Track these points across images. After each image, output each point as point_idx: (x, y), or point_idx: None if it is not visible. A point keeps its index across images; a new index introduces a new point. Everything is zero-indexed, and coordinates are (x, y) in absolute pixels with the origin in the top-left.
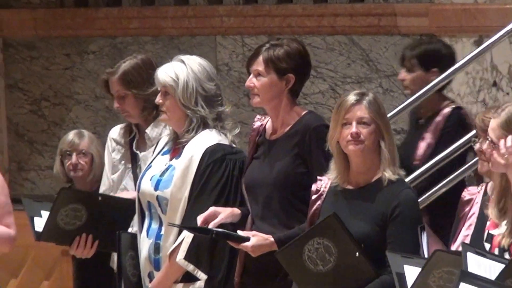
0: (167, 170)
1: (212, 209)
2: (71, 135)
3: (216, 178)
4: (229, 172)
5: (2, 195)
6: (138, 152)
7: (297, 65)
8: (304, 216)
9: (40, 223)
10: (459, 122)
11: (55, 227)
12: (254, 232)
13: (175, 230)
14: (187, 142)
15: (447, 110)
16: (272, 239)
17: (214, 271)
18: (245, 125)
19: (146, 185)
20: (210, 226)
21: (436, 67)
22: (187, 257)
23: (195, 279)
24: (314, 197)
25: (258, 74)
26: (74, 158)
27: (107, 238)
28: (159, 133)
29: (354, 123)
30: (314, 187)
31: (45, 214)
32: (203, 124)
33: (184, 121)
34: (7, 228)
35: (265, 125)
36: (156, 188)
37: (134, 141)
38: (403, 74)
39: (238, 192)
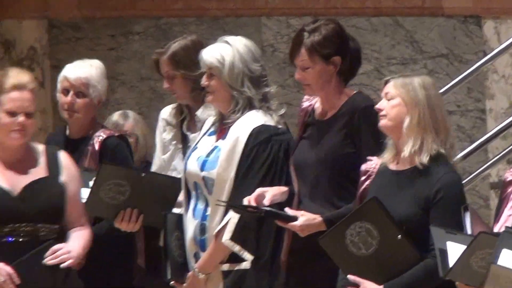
0: (213, 151)
1: (259, 190)
2: (116, 116)
3: (262, 159)
4: (275, 153)
5: (79, 193)
6: (188, 133)
7: (339, 45)
8: (352, 196)
9: (87, 194)
10: None
11: (99, 201)
12: (302, 212)
13: (221, 210)
14: (233, 123)
15: None
16: (321, 218)
17: (260, 251)
18: (290, 106)
19: (193, 165)
20: (262, 204)
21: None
22: (233, 238)
23: (241, 259)
24: (363, 177)
25: (305, 66)
26: None
27: (152, 213)
28: (210, 115)
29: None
30: (363, 167)
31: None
32: (249, 105)
33: (230, 102)
34: (84, 228)
35: (314, 105)
36: (202, 169)
37: (185, 122)
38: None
39: (284, 173)
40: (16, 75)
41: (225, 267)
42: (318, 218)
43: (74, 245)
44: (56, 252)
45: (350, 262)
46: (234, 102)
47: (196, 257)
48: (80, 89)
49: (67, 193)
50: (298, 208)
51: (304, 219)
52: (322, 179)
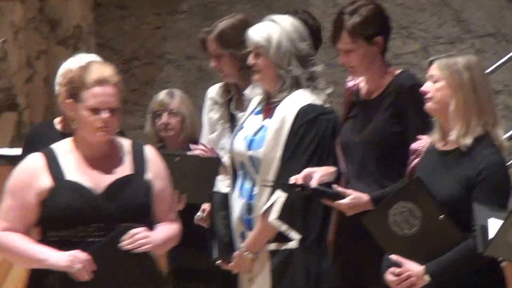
0: (260, 130)
1: (307, 170)
2: (162, 95)
3: (309, 138)
4: (322, 132)
5: (169, 186)
6: (236, 112)
7: (380, 25)
8: (399, 175)
9: None
10: None
11: None
12: (350, 191)
13: (268, 189)
14: (280, 102)
15: None
16: (368, 197)
17: (307, 230)
18: (337, 85)
19: (239, 145)
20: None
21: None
22: (280, 217)
23: (288, 239)
24: (412, 156)
25: (348, 50)
26: (165, 117)
27: (193, 192)
28: (258, 93)
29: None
30: (413, 146)
31: None
32: (296, 84)
33: (277, 81)
34: (172, 223)
35: (359, 85)
36: (249, 148)
37: (232, 101)
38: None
39: (331, 153)
40: (98, 69)
41: (272, 246)
42: (365, 197)
43: (156, 233)
44: (134, 236)
45: (392, 242)
46: (281, 81)
47: (243, 236)
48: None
49: (153, 190)
50: (346, 188)
51: (351, 197)
52: (369, 159)
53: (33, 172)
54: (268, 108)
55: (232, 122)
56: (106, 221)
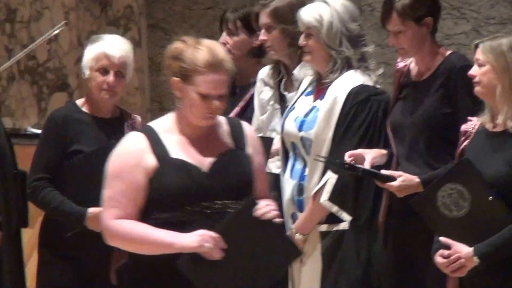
0: (311, 111)
1: (359, 150)
2: None
3: (361, 119)
4: (373, 113)
5: (265, 162)
6: (286, 93)
7: (429, 6)
8: (449, 157)
9: None
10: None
11: None
12: (400, 173)
13: (319, 171)
14: (331, 83)
15: None
16: (418, 180)
17: (358, 212)
18: (388, 66)
19: (290, 126)
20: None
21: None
22: (332, 198)
23: (339, 220)
24: (462, 138)
25: (398, 31)
26: None
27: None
28: (307, 74)
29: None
30: (463, 127)
31: None
32: (347, 65)
33: (328, 62)
34: (270, 200)
35: (409, 66)
36: (300, 129)
37: (282, 82)
38: (225, 38)
39: (382, 133)
40: (212, 52)
41: (323, 227)
42: (415, 179)
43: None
44: (268, 206)
45: (441, 224)
46: (332, 61)
47: (294, 217)
48: (121, 69)
49: (253, 166)
50: (397, 169)
51: (401, 179)
52: (419, 141)
53: (137, 152)
54: (319, 89)
55: (282, 103)
56: (212, 199)
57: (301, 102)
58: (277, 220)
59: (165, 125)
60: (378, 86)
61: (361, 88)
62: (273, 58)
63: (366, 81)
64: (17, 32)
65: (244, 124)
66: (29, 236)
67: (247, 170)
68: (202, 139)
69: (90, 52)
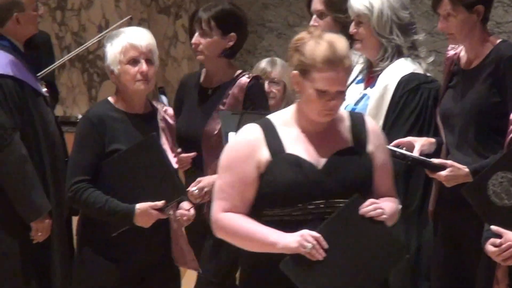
0: (362, 99)
1: (409, 138)
2: (264, 63)
3: (411, 107)
4: (424, 101)
5: (389, 159)
6: None
7: None
8: (498, 145)
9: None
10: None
11: None
12: (451, 162)
13: None
14: (381, 71)
15: (244, 80)
16: (467, 170)
17: (408, 200)
18: (438, 54)
19: None
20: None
21: (234, 32)
22: None
23: None
24: (511, 127)
25: (448, 15)
26: (266, 86)
27: None
28: (356, 61)
29: None
30: None
31: None
32: (398, 53)
33: (379, 50)
34: (393, 198)
35: (459, 54)
36: None
37: None
38: (198, 38)
39: (433, 122)
40: (332, 48)
41: None
42: (464, 169)
43: (386, 204)
44: (374, 204)
45: (492, 212)
46: (382, 49)
47: None
48: (149, 57)
49: (374, 163)
50: (447, 158)
51: (450, 169)
52: (469, 129)
53: (252, 144)
54: (369, 77)
55: None
56: (325, 198)
57: (352, 90)
58: (383, 217)
59: (284, 118)
60: (428, 74)
61: (412, 76)
62: None
63: (416, 69)
64: (68, 20)
65: (368, 119)
66: None
67: (365, 169)
68: (320, 134)
69: (115, 47)
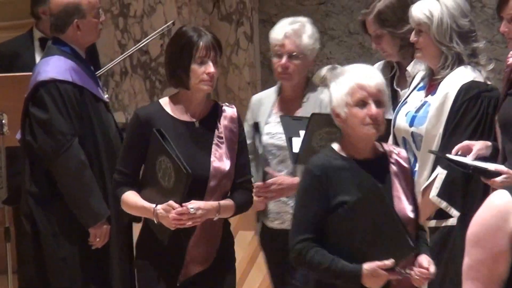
0: (423, 107)
1: (465, 142)
2: (325, 70)
3: (471, 115)
4: (484, 109)
5: None
6: (398, 89)
7: None
8: None
9: (297, 144)
10: None
11: (311, 150)
12: (506, 169)
13: (429, 166)
14: (442, 78)
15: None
16: None
17: (466, 208)
18: (498, 62)
19: (401, 120)
20: (468, 158)
21: None
22: (440, 194)
23: (448, 216)
24: None
25: (511, 19)
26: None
27: None
28: (420, 70)
29: None
30: None
31: (303, 133)
32: (458, 61)
33: (439, 58)
34: None
35: None
36: (411, 124)
37: (395, 78)
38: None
39: (492, 130)
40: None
41: (432, 223)
42: None
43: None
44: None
45: None
46: (443, 57)
47: None
48: (378, 98)
49: None
50: (504, 166)
51: (505, 176)
52: None
53: (501, 213)
54: (431, 84)
55: (395, 99)
56: None
57: (413, 97)
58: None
59: None
60: (489, 82)
61: (472, 84)
62: (388, 59)
63: (477, 77)
64: (130, 27)
65: None
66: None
67: None
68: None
69: (342, 88)
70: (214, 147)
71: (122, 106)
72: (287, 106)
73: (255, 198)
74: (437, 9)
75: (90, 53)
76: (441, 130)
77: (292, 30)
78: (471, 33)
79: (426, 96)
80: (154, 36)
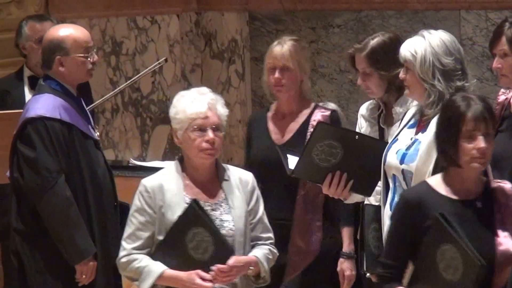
0: (413, 144)
1: None
2: None
3: None
4: None
5: None
6: (385, 127)
7: None
8: None
9: (293, 160)
10: None
11: (310, 162)
12: None
13: None
14: (431, 116)
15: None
16: None
17: None
18: (489, 100)
19: (392, 158)
20: None
21: None
22: None
23: None
24: None
25: (504, 55)
26: None
27: (361, 179)
28: (406, 108)
29: None
30: None
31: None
32: (441, 99)
33: (424, 96)
34: None
35: (510, 98)
36: (401, 162)
37: (381, 116)
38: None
39: None
40: None
41: None
42: None
43: None
44: None
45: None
46: (426, 94)
47: None
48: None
49: None
50: None
51: None
52: None
53: None
54: (421, 122)
55: (381, 137)
56: None
57: (404, 134)
58: None
59: None
60: None
61: None
62: (372, 97)
63: None
64: (122, 64)
65: None
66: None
67: None
68: None
69: None
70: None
71: (112, 144)
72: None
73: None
74: (421, 47)
75: (82, 89)
76: (431, 167)
77: None
78: (455, 71)
79: (417, 133)
80: (146, 73)
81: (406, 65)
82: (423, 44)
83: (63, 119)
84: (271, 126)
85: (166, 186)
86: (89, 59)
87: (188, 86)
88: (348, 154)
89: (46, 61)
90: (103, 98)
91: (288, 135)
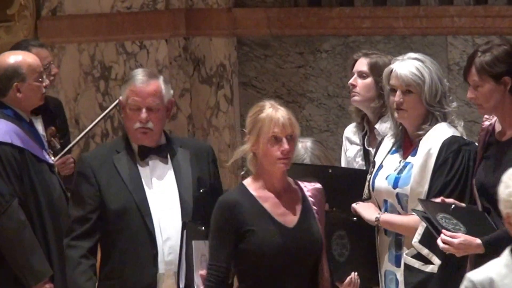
0: (405, 168)
1: (440, 199)
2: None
3: (455, 169)
4: (466, 162)
5: None
6: (370, 148)
7: (509, 66)
8: None
9: None
10: None
11: None
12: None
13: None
14: (420, 137)
15: None
16: (479, 241)
17: (448, 257)
18: (476, 124)
19: (382, 184)
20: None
21: None
22: (422, 241)
23: (429, 262)
24: None
25: (476, 85)
26: None
27: (342, 204)
28: (388, 127)
29: None
30: None
31: None
32: (436, 120)
33: (422, 118)
34: None
35: (494, 125)
36: (395, 186)
37: (365, 138)
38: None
39: (470, 183)
40: None
41: (416, 264)
42: (476, 240)
43: None
44: None
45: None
46: (430, 117)
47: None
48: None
49: None
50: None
51: (463, 238)
52: None
53: None
54: (407, 145)
55: (366, 159)
56: None
57: (389, 160)
58: None
59: None
60: (465, 137)
61: (453, 139)
62: (354, 104)
63: (455, 132)
64: (111, 89)
65: None
66: None
67: None
68: None
69: None
70: None
71: None
72: None
73: None
74: (427, 71)
75: (56, 110)
76: (426, 186)
77: None
78: (448, 93)
79: (406, 157)
80: (103, 117)
81: (409, 88)
82: (425, 68)
83: (14, 143)
84: None
85: None
86: (43, 83)
87: (177, 111)
88: (325, 187)
89: (1, 88)
90: (91, 125)
91: None
